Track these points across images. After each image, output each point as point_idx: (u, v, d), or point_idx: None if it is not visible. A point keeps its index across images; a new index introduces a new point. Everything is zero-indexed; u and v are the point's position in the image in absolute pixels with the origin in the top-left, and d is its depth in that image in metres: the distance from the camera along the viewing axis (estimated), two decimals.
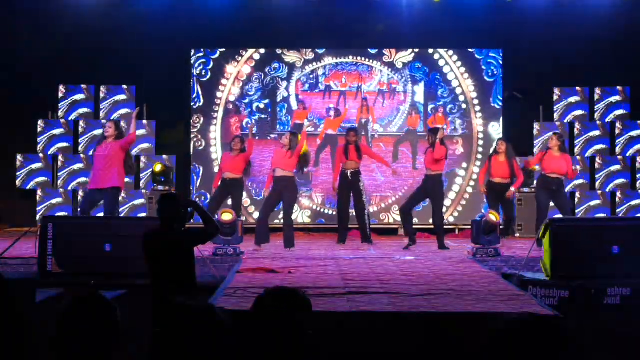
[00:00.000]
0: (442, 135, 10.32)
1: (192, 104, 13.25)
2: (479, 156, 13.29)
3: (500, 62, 13.27)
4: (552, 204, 10.35)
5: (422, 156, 11.83)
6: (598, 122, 13.17)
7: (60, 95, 13.10)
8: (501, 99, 13.27)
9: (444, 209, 11.56)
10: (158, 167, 12.27)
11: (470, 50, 13.32)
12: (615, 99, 13.19)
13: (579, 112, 13.21)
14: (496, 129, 13.23)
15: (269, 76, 13.36)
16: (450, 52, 13.32)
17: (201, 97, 13.28)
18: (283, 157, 10.23)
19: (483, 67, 13.31)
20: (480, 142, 13.34)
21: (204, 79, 13.28)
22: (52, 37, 12.94)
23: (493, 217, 9.52)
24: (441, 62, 13.35)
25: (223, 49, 13.31)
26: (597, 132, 13.15)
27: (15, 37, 13.06)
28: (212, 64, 13.29)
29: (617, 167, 13.03)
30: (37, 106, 12.98)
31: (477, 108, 13.35)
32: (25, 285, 7.46)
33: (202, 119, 13.26)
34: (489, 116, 13.32)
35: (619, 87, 13.17)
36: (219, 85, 13.30)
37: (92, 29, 12.71)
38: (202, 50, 13.28)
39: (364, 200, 10.82)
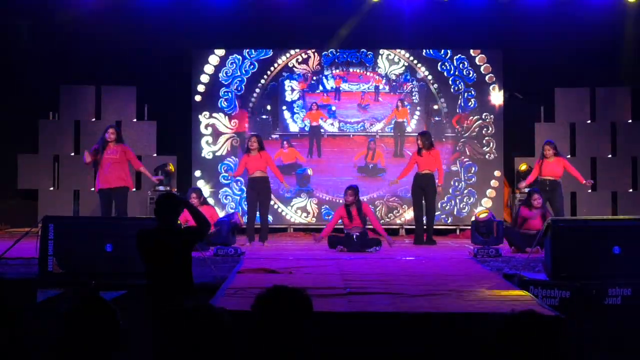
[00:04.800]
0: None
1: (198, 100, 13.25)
2: (478, 156, 13.26)
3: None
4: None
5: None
6: (599, 123, 13.13)
7: (62, 95, 13.09)
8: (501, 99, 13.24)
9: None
10: (171, 167, 12.43)
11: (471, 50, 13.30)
12: (616, 99, 13.16)
13: (580, 113, 13.17)
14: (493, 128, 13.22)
15: (270, 76, 13.34)
16: (449, 52, 13.28)
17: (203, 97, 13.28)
18: (257, 160, 10.62)
19: (482, 66, 13.25)
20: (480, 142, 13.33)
21: (206, 80, 13.26)
22: (53, 38, 12.93)
23: (483, 214, 9.56)
24: (439, 63, 13.28)
25: (225, 50, 13.27)
26: (598, 133, 13.11)
27: (17, 37, 13.06)
28: (214, 64, 13.27)
29: (618, 168, 13.00)
30: (39, 106, 12.98)
31: (477, 109, 13.30)
32: (25, 285, 7.46)
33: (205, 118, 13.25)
34: (487, 116, 13.27)
35: (620, 88, 13.14)
36: (222, 87, 13.27)
37: (93, 29, 12.69)
38: (204, 49, 13.27)
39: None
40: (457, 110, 13.33)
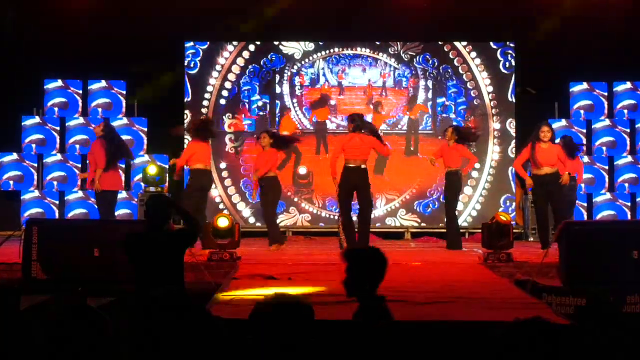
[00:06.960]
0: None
1: (186, 99, 13.15)
2: (495, 156, 13.10)
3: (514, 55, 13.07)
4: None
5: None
6: (617, 119, 13.11)
7: (46, 90, 13.08)
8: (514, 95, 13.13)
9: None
10: (153, 170, 11.99)
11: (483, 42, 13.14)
12: (635, 94, 13.13)
13: (596, 109, 13.13)
14: (513, 126, 13.08)
15: (267, 70, 13.22)
16: (464, 43, 13.03)
17: (190, 92, 13.11)
18: (269, 155, 10.54)
19: (500, 59, 13.04)
20: (496, 141, 13.16)
21: (193, 71, 13.08)
22: (36, 29, 12.93)
23: (503, 217, 9.54)
24: (451, 55, 13.10)
25: (218, 41, 13.22)
26: (615, 130, 13.07)
27: None
28: (201, 55, 13.09)
29: (637, 166, 12.96)
30: (21, 102, 12.97)
31: (493, 103, 13.10)
32: (8, 292, 7.46)
33: (190, 116, 13.12)
34: (504, 112, 13.09)
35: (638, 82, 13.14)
36: (212, 79, 13.17)
37: (80, 21, 12.69)
38: (194, 42, 13.19)
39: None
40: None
